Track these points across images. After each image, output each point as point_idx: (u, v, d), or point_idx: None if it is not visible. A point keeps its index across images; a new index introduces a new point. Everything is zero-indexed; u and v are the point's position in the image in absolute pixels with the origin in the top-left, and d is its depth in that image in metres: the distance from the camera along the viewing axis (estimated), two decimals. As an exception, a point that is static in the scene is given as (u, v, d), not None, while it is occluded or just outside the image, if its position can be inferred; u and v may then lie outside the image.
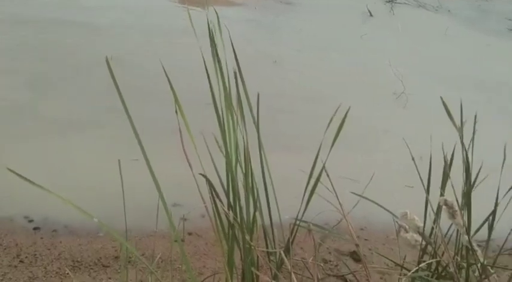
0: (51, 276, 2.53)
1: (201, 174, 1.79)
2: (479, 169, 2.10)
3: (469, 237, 1.66)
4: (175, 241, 2.84)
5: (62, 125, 4.25)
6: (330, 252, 3.01)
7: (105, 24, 7.00)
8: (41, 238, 2.91)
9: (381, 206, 1.96)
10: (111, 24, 7.04)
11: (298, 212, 1.86)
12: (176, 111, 1.63)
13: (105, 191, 2.93)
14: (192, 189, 2.76)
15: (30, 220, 3.11)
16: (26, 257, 2.70)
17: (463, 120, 2.02)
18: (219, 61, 1.92)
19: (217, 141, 2.00)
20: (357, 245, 1.69)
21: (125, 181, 1.80)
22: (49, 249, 2.79)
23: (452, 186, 1.90)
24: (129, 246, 1.57)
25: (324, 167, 1.81)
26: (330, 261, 2.95)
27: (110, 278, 2.52)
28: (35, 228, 3.02)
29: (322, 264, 2.84)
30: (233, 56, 1.95)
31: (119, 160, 1.82)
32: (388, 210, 1.92)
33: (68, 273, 2.54)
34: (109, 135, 4.12)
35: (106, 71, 1.54)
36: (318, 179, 1.84)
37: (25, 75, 5.10)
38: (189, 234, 3.11)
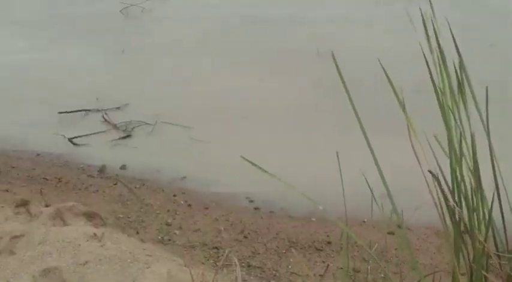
0: (270, 253, 2.77)
1: (429, 171, 1.73)
2: None
3: None
4: (389, 233, 2.87)
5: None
6: None
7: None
8: (261, 217, 3.20)
9: None
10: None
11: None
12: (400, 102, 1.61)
13: (321, 178, 3.07)
14: (405, 182, 2.73)
15: (251, 201, 3.45)
16: (249, 234, 3.00)
17: None
18: (439, 47, 1.83)
19: (436, 137, 1.92)
20: None
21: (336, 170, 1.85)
22: (268, 228, 3.05)
23: None
24: (351, 233, 1.62)
25: None
26: None
27: (323, 262, 2.64)
28: (255, 208, 3.35)
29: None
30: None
31: (336, 152, 1.88)
32: None
33: (285, 252, 2.74)
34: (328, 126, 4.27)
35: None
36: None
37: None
38: (399, 227, 3.05)
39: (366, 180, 1.70)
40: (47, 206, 2.98)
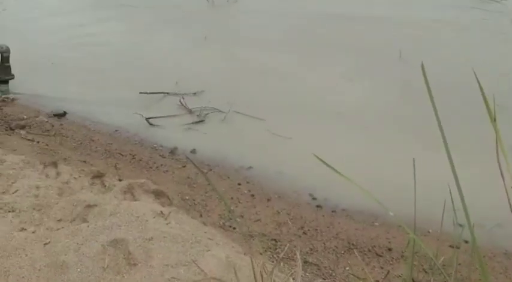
0: (328, 252, 2.75)
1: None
2: None
3: None
4: (451, 246, 2.77)
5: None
6: None
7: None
8: (322, 216, 3.18)
9: None
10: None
11: None
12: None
13: (391, 184, 3.02)
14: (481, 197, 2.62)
15: (314, 198, 3.44)
16: (309, 230, 3.00)
17: None
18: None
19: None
20: None
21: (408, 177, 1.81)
22: (328, 227, 3.04)
23: None
24: (420, 242, 1.57)
25: None
26: None
27: (382, 268, 2.60)
28: (317, 206, 3.34)
29: None
30: None
31: (413, 159, 1.83)
32: None
33: (343, 253, 2.72)
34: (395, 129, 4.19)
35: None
36: None
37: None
38: (466, 242, 2.93)
39: (450, 192, 1.64)
40: (120, 180, 3.14)
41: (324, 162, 1.66)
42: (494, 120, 1.25)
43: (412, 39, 6.23)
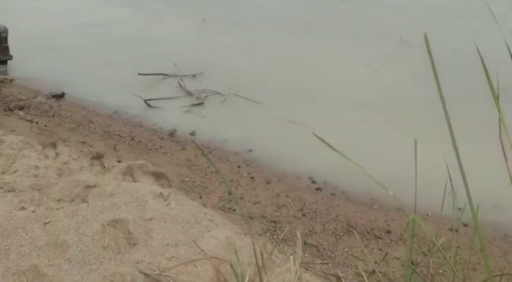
0: (328, 234, 2.77)
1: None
2: None
3: None
4: (450, 230, 2.78)
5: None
6: None
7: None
8: (322, 198, 3.19)
9: None
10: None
11: None
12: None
13: (390, 167, 3.02)
14: (479, 180, 2.61)
15: (313, 181, 3.44)
16: (308, 212, 3.01)
17: None
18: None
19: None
20: None
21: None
22: (327, 210, 3.05)
23: None
24: (422, 224, 1.57)
25: None
26: None
27: (380, 250, 2.61)
28: (317, 189, 3.34)
29: None
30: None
31: (415, 140, 1.82)
32: None
33: (342, 235, 2.73)
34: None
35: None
36: None
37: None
38: (465, 225, 2.95)
39: (449, 175, 1.63)
40: (119, 161, 3.14)
41: (324, 141, 1.64)
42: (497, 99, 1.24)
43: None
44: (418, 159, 2.02)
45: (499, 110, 1.49)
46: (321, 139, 1.70)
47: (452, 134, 1.53)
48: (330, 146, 1.73)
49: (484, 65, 1.48)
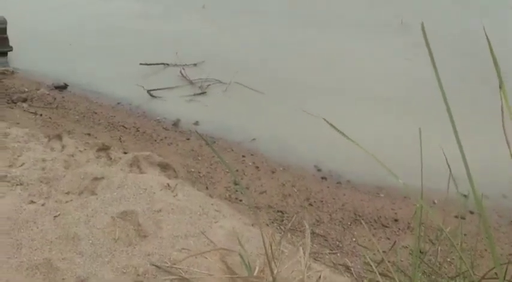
0: (335, 224, 2.77)
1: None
2: None
3: None
4: (456, 217, 2.79)
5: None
6: None
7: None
8: (328, 187, 3.19)
9: None
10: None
11: None
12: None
13: (396, 155, 3.02)
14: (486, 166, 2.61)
15: (319, 169, 3.44)
16: (315, 202, 3.01)
17: None
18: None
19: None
20: None
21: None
22: (334, 199, 3.05)
23: None
24: (427, 208, 1.57)
25: None
26: None
27: (388, 238, 2.62)
28: (322, 178, 3.34)
29: None
30: None
31: (419, 128, 1.82)
32: None
33: (350, 224, 2.74)
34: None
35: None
36: None
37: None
38: (471, 213, 2.96)
39: (447, 162, 1.64)
40: (125, 152, 3.14)
41: (331, 125, 1.63)
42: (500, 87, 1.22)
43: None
44: (427, 148, 2.01)
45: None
46: (332, 125, 1.70)
47: (453, 125, 1.52)
48: (341, 132, 1.72)
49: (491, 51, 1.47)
